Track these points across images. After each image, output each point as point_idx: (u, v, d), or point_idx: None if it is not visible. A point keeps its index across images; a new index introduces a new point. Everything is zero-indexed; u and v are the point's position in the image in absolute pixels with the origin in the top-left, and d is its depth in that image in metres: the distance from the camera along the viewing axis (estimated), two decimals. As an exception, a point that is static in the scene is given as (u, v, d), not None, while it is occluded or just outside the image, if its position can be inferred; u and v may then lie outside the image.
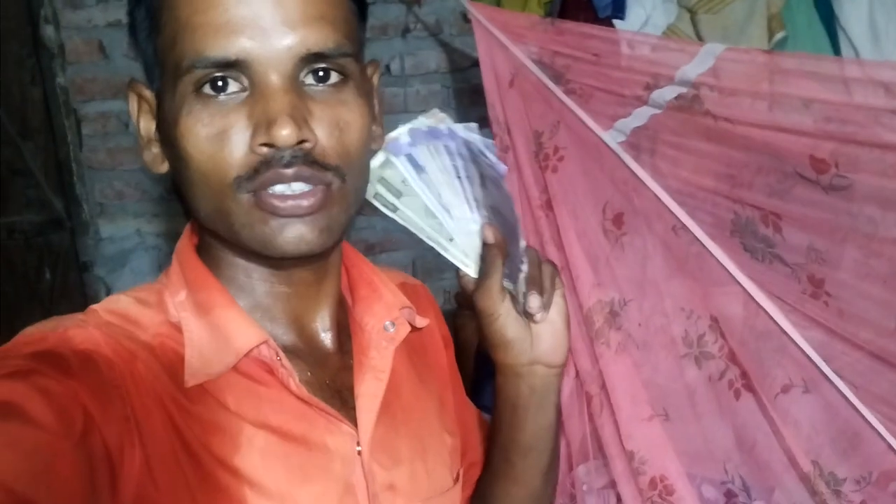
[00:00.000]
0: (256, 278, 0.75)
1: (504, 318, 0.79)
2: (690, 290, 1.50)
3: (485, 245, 0.79)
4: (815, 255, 1.32)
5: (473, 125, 0.78)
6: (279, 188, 0.66)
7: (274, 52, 0.64)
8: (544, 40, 1.61)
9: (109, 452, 0.60)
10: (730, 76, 1.34)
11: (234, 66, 0.64)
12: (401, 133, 0.78)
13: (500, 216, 0.79)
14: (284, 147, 0.64)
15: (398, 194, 0.79)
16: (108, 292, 2.49)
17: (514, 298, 0.82)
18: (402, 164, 0.77)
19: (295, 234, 0.67)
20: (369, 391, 0.76)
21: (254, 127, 0.65)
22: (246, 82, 0.65)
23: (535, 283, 0.80)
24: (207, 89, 0.65)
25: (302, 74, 0.67)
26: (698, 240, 1.46)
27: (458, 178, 0.79)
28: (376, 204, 0.79)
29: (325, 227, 0.68)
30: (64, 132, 2.42)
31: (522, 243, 0.79)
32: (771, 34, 1.94)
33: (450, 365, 0.94)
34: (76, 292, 2.49)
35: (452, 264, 0.81)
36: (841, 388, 1.31)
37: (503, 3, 2.22)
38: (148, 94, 0.72)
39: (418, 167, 0.78)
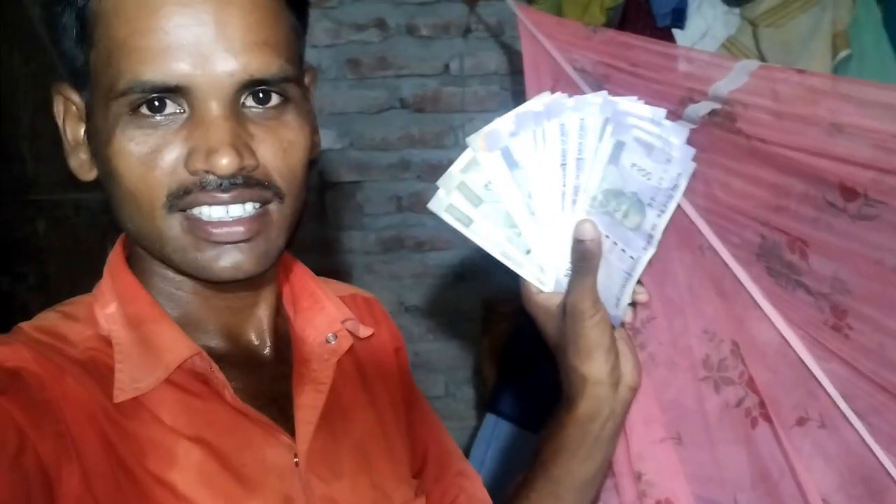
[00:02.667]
0: (188, 291, 0.74)
1: (599, 325, 0.68)
2: (715, 313, 1.45)
3: (575, 242, 0.66)
4: (840, 285, 1.26)
5: (603, 93, 0.66)
6: (216, 212, 0.66)
7: (215, 78, 0.63)
8: (588, 49, 1.59)
9: (46, 470, 0.59)
10: (763, 94, 1.29)
11: (172, 91, 0.63)
12: (502, 122, 0.68)
13: (616, 201, 0.66)
14: (224, 176, 0.64)
15: (477, 202, 0.69)
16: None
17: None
18: (492, 163, 0.68)
19: (231, 262, 0.67)
20: (308, 402, 0.75)
21: (190, 150, 0.64)
22: (185, 105, 0.65)
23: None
24: (143, 109, 0.64)
25: (242, 97, 0.66)
26: (724, 261, 1.41)
27: (563, 164, 0.68)
28: (447, 219, 0.69)
29: (262, 253, 0.68)
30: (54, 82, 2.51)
31: (660, 232, 0.65)
32: (835, 52, 1.87)
33: (402, 377, 0.92)
34: (134, 270, 2.58)
35: (500, 265, 0.71)
36: (857, 428, 1.25)
37: (564, 9, 2.20)
38: (76, 99, 0.71)
39: (512, 163, 0.68)
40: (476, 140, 0.68)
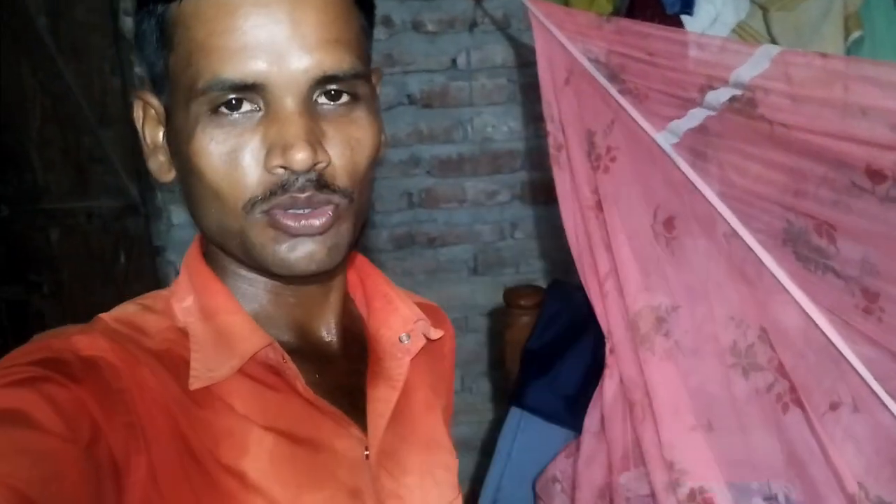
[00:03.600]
0: (262, 289, 0.76)
1: None
2: (741, 299, 1.45)
3: None
4: (870, 268, 1.25)
5: None
6: (291, 210, 0.67)
7: (290, 75, 0.65)
8: (601, 38, 1.59)
9: (115, 460, 0.60)
10: (785, 79, 1.28)
11: (250, 88, 0.65)
12: None
13: None
14: (300, 171, 0.65)
15: None
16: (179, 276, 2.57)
17: None
18: None
19: (305, 253, 0.68)
20: (382, 396, 0.76)
21: (268, 148, 0.66)
22: (261, 103, 0.66)
23: None
24: (222, 109, 0.66)
25: (315, 95, 0.68)
26: (750, 248, 1.41)
27: None
28: None
29: (333, 246, 0.70)
30: (135, 88, 2.51)
31: None
32: (847, 33, 1.86)
33: (448, 395, 0.95)
34: (149, 276, 2.58)
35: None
36: (892, 408, 1.25)
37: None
38: (155, 103, 0.73)
39: None
40: None
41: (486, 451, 2.49)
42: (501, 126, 2.59)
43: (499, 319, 2.44)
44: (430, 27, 2.52)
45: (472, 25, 2.52)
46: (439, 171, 2.61)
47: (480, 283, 2.68)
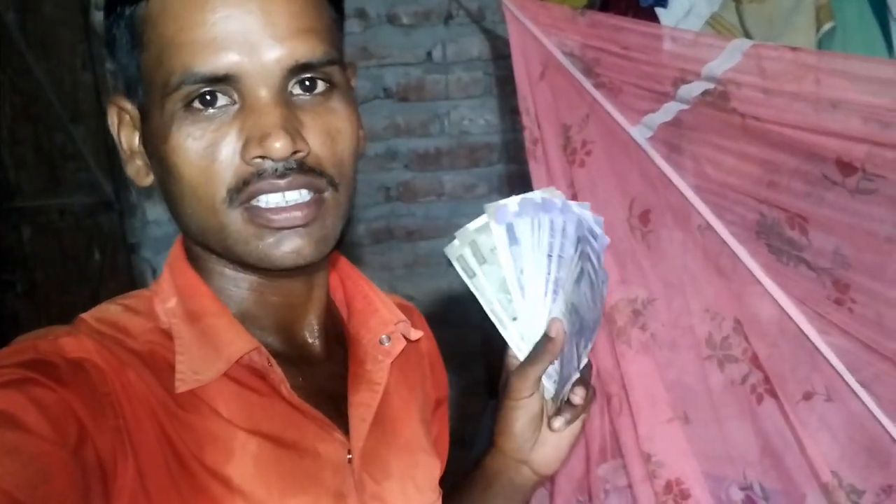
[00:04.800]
0: (245, 288, 0.75)
1: (524, 409, 0.83)
2: (716, 292, 1.46)
3: (545, 335, 0.80)
4: (842, 259, 1.27)
5: (586, 204, 0.78)
6: (273, 199, 0.67)
7: (263, 65, 0.65)
8: (575, 32, 1.59)
9: (102, 463, 0.60)
10: (757, 73, 1.30)
11: (223, 80, 0.65)
12: (510, 201, 0.79)
13: (576, 316, 0.78)
14: (279, 159, 0.65)
15: (482, 261, 0.80)
16: (154, 274, 2.55)
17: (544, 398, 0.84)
18: (499, 232, 0.79)
19: (292, 248, 0.68)
20: (364, 401, 0.76)
21: (245, 140, 0.65)
22: (235, 96, 0.66)
23: (574, 398, 0.81)
24: (196, 104, 0.65)
25: (290, 85, 0.67)
26: (724, 240, 1.42)
27: (549, 256, 0.79)
28: (456, 266, 0.81)
29: (320, 238, 0.69)
30: (109, 96, 2.48)
31: (586, 357, 0.79)
32: (819, 25, 1.87)
33: (437, 380, 0.95)
34: (124, 273, 2.56)
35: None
36: (863, 398, 1.26)
37: (547, -10, 2.19)
38: (129, 107, 0.72)
39: (514, 239, 0.79)
40: (490, 209, 0.79)
41: (463, 442, 2.50)
42: (478, 119, 2.59)
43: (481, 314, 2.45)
44: (405, 20, 2.50)
45: (448, 18, 2.52)
46: (417, 164, 2.60)
47: (459, 277, 2.67)
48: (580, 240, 0.76)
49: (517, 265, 0.80)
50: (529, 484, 0.89)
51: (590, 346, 0.77)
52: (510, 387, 0.83)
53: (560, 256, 0.79)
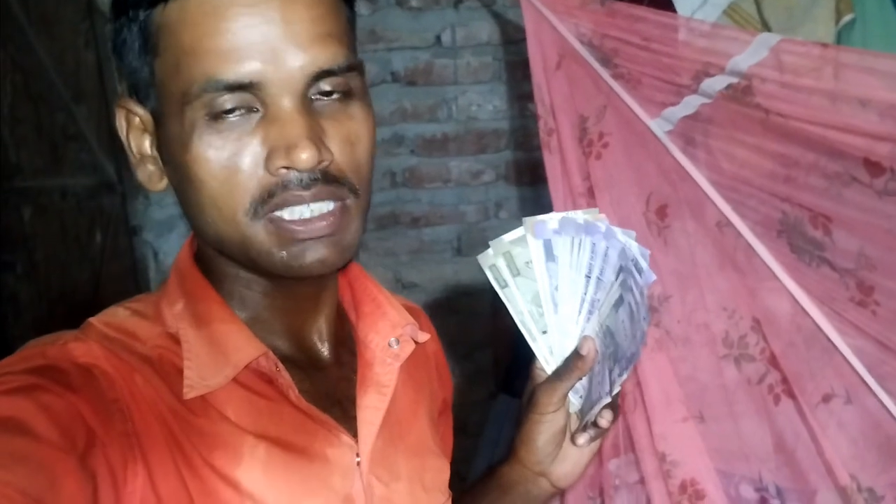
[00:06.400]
0: (256, 291, 0.75)
1: (549, 424, 0.84)
2: (734, 290, 1.45)
3: (575, 351, 0.80)
4: (866, 261, 1.25)
5: (632, 232, 0.77)
6: (298, 210, 0.66)
7: (286, 73, 0.64)
8: (594, 21, 1.55)
9: (112, 469, 0.60)
10: (784, 69, 1.27)
11: (246, 88, 0.64)
12: (550, 218, 0.79)
13: (611, 339, 0.78)
14: (305, 170, 0.64)
15: (516, 273, 0.80)
16: (156, 256, 2.53)
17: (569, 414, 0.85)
18: (536, 247, 0.79)
19: (317, 257, 0.68)
20: (372, 403, 0.76)
21: (269, 150, 0.65)
22: (257, 104, 0.65)
23: (601, 421, 0.81)
24: (218, 112, 0.64)
25: (310, 92, 0.66)
26: (744, 238, 1.40)
27: (588, 277, 0.79)
28: (488, 274, 0.81)
29: (345, 247, 0.69)
30: (116, 97, 2.44)
31: (619, 386, 0.77)
32: (838, 17, 1.85)
33: (443, 383, 0.96)
34: (125, 256, 2.53)
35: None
36: (884, 401, 1.25)
37: (559, -23, 2.15)
38: (140, 111, 0.71)
39: (551, 255, 0.79)
40: (528, 223, 0.80)
41: (467, 432, 2.49)
42: (486, 105, 2.56)
43: (487, 301, 2.43)
44: (414, 3, 2.47)
45: (457, 2, 2.48)
46: (423, 150, 2.57)
47: (464, 264, 2.66)
48: (622, 269, 0.76)
49: (552, 281, 0.80)
50: (545, 496, 0.90)
51: (624, 376, 0.76)
52: (536, 400, 0.83)
53: (599, 279, 0.78)
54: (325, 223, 0.66)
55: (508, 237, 0.80)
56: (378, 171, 2.57)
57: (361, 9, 2.44)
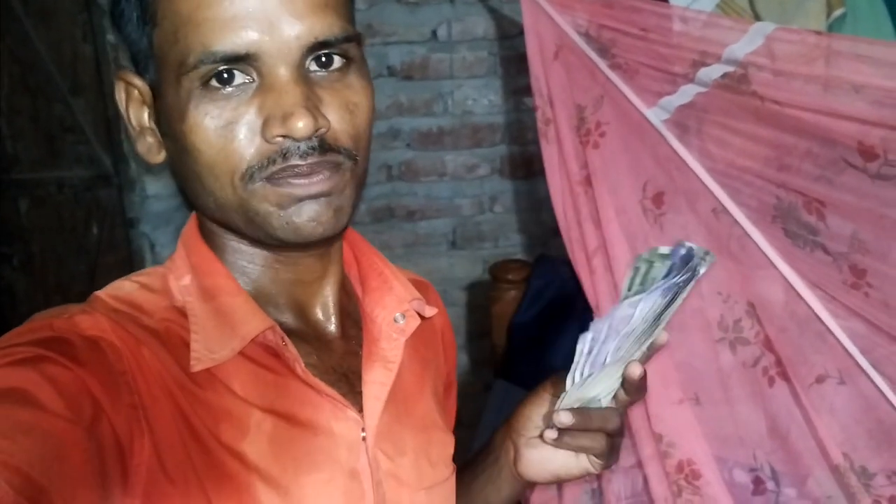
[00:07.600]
0: (261, 264, 0.75)
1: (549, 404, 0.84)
2: (728, 274, 1.47)
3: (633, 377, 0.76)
4: (859, 244, 1.28)
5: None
6: (295, 181, 0.67)
7: (283, 43, 0.64)
8: (591, 12, 1.58)
9: (119, 440, 0.60)
10: (779, 57, 1.29)
11: (242, 59, 0.64)
12: (693, 252, 0.75)
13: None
14: (301, 138, 0.65)
15: (641, 290, 0.75)
16: (153, 249, 2.53)
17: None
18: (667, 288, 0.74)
19: (311, 215, 0.68)
20: (378, 378, 0.76)
21: (265, 118, 0.65)
22: (254, 74, 0.65)
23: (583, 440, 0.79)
24: (214, 82, 0.65)
25: (307, 62, 0.67)
26: (739, 224, 1.42)
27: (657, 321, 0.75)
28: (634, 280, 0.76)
29: (339, 208, 0.69)
30: (113, 89, 2.44)
31: (609, 397, 0.78)
32: (829, 10, 1.88)
33: (449, 360, 0.96)
34: (122, 247, 2.54)
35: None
36: (877, 382, 1.28)
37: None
38: (139, 83, 0.71)
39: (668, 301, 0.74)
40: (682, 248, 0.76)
41: (465, 422, 2.50)
42: (482, 99, 2.58)
43: (482, 293, 2.44)
44: (410, -3, 2.49)
45: (454, -4, 2.50)
46: (419, 143, 2.59)
47: (459, 257, 2.68)
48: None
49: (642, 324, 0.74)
50: (511, 477, 0.89)
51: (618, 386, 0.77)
52: (552, 386, 0.85)
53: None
54: (319, 181, 0.67)
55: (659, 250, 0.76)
56: (374, 165, 2.59)
57: (359, 3, 2.46)
